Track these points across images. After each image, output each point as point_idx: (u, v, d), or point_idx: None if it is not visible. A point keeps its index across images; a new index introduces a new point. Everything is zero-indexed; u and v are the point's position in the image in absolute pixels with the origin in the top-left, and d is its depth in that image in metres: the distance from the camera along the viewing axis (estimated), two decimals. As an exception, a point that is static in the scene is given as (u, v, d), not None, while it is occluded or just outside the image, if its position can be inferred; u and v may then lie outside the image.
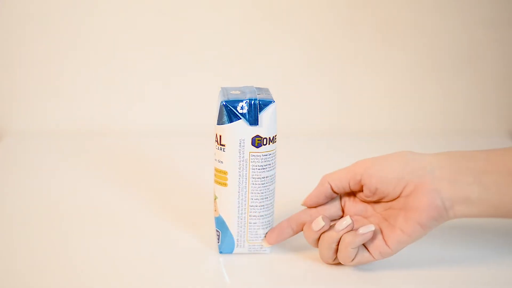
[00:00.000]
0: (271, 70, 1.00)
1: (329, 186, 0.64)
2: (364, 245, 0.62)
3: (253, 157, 0.63)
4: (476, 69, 1.00)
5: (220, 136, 0.63)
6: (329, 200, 0.65)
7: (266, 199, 0.65)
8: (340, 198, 0.66)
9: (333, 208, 0.65)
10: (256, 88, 0.65)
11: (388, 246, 0.61)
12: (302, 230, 0.65)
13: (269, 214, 0.66)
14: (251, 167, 0.63)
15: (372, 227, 0.61)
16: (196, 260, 0.67)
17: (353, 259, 0.62)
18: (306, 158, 0.93)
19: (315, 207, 0.66)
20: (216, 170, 0.64)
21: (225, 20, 0.98)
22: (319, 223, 0.62)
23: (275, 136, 0.63)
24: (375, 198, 0.63)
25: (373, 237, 0.62)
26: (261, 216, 0.65)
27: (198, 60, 0.99)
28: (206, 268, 0.66)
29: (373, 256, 0.62)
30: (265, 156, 0.63)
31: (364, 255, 0.62)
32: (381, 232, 0.62)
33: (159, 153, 0.94)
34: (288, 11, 0.97)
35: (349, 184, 0.63)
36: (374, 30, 0.98)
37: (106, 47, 0.98)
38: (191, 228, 0.72)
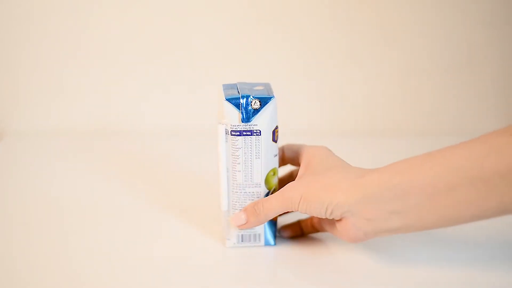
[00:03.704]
0: (269, 69, 1.00)
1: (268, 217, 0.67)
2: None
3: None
4: (476, 68, 1.00)
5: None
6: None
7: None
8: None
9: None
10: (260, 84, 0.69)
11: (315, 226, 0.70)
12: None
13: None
14: None
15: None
16: (202, 255, 0.69)
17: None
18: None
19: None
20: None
21: (224, 21, 0.99)
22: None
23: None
24: None
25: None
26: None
27: (198, 60, 1.00)
28: (212, 262, 0.68)
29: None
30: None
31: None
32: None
33: (160, 153, 0.95)
34: (285, 10, 0.98)
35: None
36: (372, 30, 0.98)
37: (107, 47, 0.99)
38: (195, 225, 0.73)
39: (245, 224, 0.67)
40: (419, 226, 0.61)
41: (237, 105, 0.65)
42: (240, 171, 0.66)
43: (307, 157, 0.68)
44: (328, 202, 0.62)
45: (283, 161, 0.72)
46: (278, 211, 0.66)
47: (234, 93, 0.65)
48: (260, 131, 0.65)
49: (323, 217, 0.63)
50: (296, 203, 0.64)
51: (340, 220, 0.63)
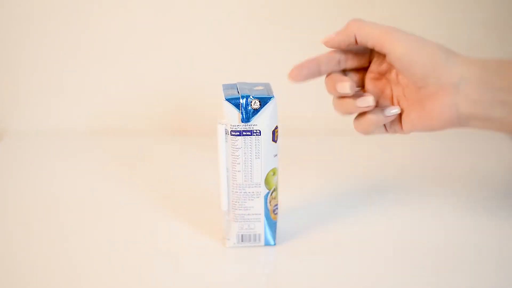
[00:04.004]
0: (269, 69, 1.00)
1: (354, 38, 0.63)
2: None
3: None
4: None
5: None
6: (350, 48, 0.65)
7: None
8: (371, 52, 0.66)
9: (362, 59, 0.66)
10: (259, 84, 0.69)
11: (401, 128, 0.64)
12: (327, 76, 0.66)
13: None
14: None
15: (398, 110, 0.63)
16: (202, 255, 0.69)
17: (368, 132, 0.65)
18: (306, 157, 0.93)
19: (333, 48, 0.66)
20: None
21: (224, 21, 0.99)
22: (344, 88, 0.63)
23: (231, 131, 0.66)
24: (392, 76, 0.64)
25: None
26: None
27: (198, 60, 1.00)
28: (212, 262, 0.68)
29: (387, 130, 0.65)
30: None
31: (380, 129, 0.65)
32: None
33: (160, 153, 0.94)
34: (285, 10, 0.98)
35: (373, 48, 0.63)
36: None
37: (107, 47, 0.99)
38: (195, 225, 0.73)
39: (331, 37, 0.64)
40: None
41: (237, 105, 0.65)
42: (240, 171, 0.67)
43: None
44: (442, 64, 0.58)
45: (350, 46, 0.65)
46: (371, 35, 0.61)
47: (234, 93, 0.66)
48: (260, 131, 0.66)
49: (419, 79, 0.59)
50: (393, 45, 0.59)
51: (433, 94, 0.59)
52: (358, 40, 0.63)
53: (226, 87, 0.67)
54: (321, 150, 0.96)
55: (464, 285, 0.64)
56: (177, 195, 0.82)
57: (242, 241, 0.69)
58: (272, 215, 0.69)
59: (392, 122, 0.64)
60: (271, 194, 0.68)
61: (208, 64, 1.00)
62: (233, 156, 0.66)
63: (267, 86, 0.68)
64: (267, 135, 0.66)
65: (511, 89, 0.58)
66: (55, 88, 1.00)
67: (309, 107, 1.02)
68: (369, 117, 0.63)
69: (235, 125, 0.65)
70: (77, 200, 0.80)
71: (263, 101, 0.65)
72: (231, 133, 0.66)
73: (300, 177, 0.85)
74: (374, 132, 0.64)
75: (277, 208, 0.69)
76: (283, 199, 0.73)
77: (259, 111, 0.65)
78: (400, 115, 0.64)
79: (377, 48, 0.62)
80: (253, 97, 0.65)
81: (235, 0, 0.98)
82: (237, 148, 0.66)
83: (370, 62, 0.66)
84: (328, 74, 0.66)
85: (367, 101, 0.62)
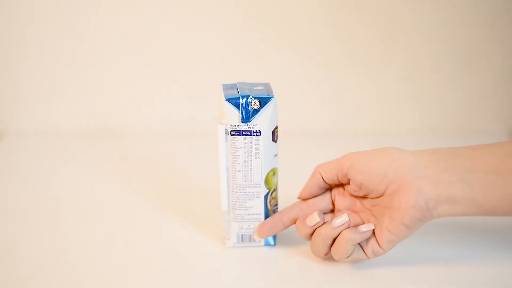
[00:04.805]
0: (269, 69, 1.00)
1: (320, 176, 0.67)
2: (359, 243, 0.64)
3: None
4: (476, 68, 1.00)
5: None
6: (323, 190, 0.68)
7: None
8: (331, 192, 0.69)
9: (324, 201, 0.68)
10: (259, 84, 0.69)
11: (379, 246, 0.64)
12: (293, 224, 0.68)
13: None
14: None
15: (372, 226, 0.64)
16: (202, 255, 0.69)
17: (348, 256, 0.64)
18: (305, 158, 0.93)
19: (310, 198, 0.68)
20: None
21: (224, 21, 0.99)
22: (314, 219, 0.65)
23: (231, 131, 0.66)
24: (361, 193, 0.65)
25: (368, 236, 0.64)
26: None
27: (198, 60, 1.00)
28: (212, 262, 0.68)
29: (366, 255, 0.64)
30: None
31: (359, 253, 0.65)
32: (372, 230, 0.64)
33: (160, 153, 0.95)
34: (286, 10, 0.98)
35: (337, 176, 0.66)
36: (373, 31, 0.98)
37: (107, 47, 0.99)
38: (195, 225, 0.73)
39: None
40: (481, 202, 0.60)
41: (237, 105, 0.65)
42: (240, 171, 0.67)
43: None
44: (396, 157, 0.61)
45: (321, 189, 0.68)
46: (332, 165, 0.65)
47: (234, 93, 0.66)
48: (260, 131, 0.66)
49: (380, 181, 0.62)
50: (349, 161, 0.63)
51: (396, 190, 0.61)
52: (324, 176, 0.66)
53: (226, 87, 0.67)
54: (321, 150, 0.96)
55: None
56: (177, 195, 0.82)
57: (242, 241, 0.69)
58: (272, 215, 0.69)
59: (369, 242, 0.64)
60: (271, 194, 0.68)
61: (208, 64, 1.00)
62: (233, 156, 0.66)
63: (267, 86, 0.68)
64: (267, 135, 0.66)
65: (468, 169, 0.60)
66: (55, 88, 1.00)
67: (309, 107, 1.02)
68: (346, 236, 0.63)
69: (235, 125, 0.65)
70: (77, 200, 0.80)
71: (263, 101, 0.65)
72: (231, 133, 0.66)
73: (300, 177, 0.84)
74: (353, 255, 0.64)
75: (277, 208, 0.69)
76: (283, 199, 0.73)
77: (259, 111, 0.65)
78: (374, 233, 0.64)
79: (339, 174, 0.65)
80: (253, 97, 0.65)
81: (235, 0, 0.98)
82: (237, 148, 0.66)
83: (333, 204, 0.68)
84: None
85: (343, 219, 0.63)
